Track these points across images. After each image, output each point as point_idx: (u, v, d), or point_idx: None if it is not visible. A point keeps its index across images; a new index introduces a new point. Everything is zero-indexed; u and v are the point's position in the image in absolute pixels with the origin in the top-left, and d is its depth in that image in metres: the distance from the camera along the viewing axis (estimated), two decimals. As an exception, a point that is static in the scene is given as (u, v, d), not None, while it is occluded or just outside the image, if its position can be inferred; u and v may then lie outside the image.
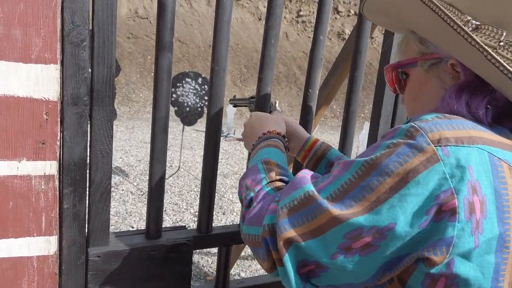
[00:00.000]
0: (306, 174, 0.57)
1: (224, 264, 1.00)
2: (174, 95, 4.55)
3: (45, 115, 0.70)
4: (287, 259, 0.53)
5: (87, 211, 0.78)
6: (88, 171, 0.76)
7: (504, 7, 0.55)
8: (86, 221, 0.78)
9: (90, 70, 0.74)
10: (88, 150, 0.76)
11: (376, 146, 0.52)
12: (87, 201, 0.77)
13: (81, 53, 0.71)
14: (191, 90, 4.70)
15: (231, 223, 3.92)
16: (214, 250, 3.27)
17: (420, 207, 0.47)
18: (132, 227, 3.56)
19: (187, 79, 4.69)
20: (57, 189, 0.74)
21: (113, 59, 0.75)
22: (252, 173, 0.67)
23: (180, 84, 4.61)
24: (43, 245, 0.74)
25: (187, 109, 4.70)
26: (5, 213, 0.70)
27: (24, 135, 0.70)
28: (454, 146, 0.48)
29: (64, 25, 0.69)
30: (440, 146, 0.47)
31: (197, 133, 9.23)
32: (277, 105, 0.96)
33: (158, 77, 0.80)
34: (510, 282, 0.51)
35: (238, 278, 3.30)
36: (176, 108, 4.55)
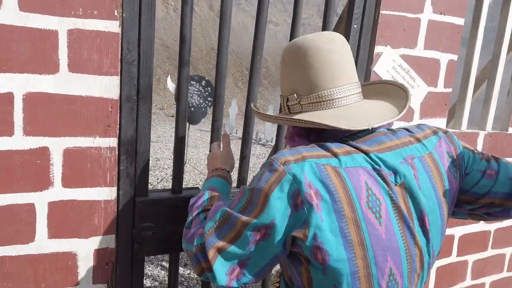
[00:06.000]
0: (219, 204, 0.87)
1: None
2: (180, 97, 4.92)
3: (110, 108, 1.10)
4: (216, 267, 0.77)
5: (135, 172, 1.17)
6: (135, 145, 1.16)
7: (293, 85, 0.88)
8: (134, 179, 1.18)
9: (137, 79, 1.13)
10: (136, 131, 1.15)
11: (257, 174, 0.81)
12: (135, 165, 1.17)
13: (132, 68, 1.11)
14: (195, 92, 5.10)
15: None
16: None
17: (285, 204, 0.74)
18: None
19: (192, 82, 5.09)
20: (117, 156, 1.13)
21: (152, 72, 1.14)
22: (199, 199, 0.97)
23: (186, 87, 4.98)
24: (107, 193, 1.14)
25: (192, 109, 5.10)
26: (85, 171, 1.10)
27: (97, 121, 1.09)
28: (294, 163, 0.76)
29: (122, 51, 1.09)
30: (286, 165, 0.76)
31: (201, 133, 9.65)
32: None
33: (181, 83, 1.20)
34: (358, 241, 0.75)
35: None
36: (182, 109, 4.93)
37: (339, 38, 0.88)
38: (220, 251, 0.78)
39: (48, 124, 1.03)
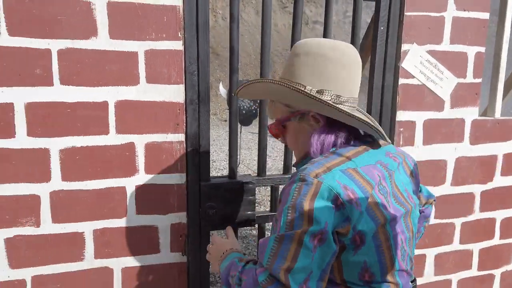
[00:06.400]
0: (262, 241, 0.87)
1: (275, 198, 1.63)
2: (232, 101, 5.26)
3: (178, 110, 1.38)
4: (293, 285, 0.79)
5: (199, 161, 1.44)
6: (198, 139, 1.43)
7: (326, 80, 0.93)
8: (199, 166, 1.45)
9: (197, 86, 1.40)
10: (198, 128, 1.42)
11: (287, 193, 0.86)
12: (199, 156, 1.44)
13: (193, 77, 1.38)
14: (246, 96, 5.41)
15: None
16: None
17: (329, 209, 0.83)
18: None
19: (242, 86, 5.40)
20: (185, 148, 1.41)
21: (208, 79, 1.41)
22: (233, 266, 0.96)
23: (237, 91, 5.31)
24: (179, 178, 1.42)
25: (243, 111, 5.41)
26: (161, 161, 1.39)
27: (169, 120, 1.37)
28: (324, 174, 0.85)
29: (186, 64, 1.36)
30: (318, 177, 0.85)
31: (252, 135, 10.00)
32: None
33: (231, 87, 1.46)
34: (382, 221, 0.88)
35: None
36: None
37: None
38: (288, 271, 0.80)
39: (133, 124, 1.33)
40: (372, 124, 0.93)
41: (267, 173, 1.65)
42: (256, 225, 1.62)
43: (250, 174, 1.60)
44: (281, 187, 1.96)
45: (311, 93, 0.92)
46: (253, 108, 5.40)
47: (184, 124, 1.39)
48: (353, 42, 1.59)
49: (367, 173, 0.91)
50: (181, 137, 1.40)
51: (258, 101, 5.23)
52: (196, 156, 1.43)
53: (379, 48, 1.58)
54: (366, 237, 0.87)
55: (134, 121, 1.33)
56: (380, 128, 0.97)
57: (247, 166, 6.62)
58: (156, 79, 1.34)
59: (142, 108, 1.33)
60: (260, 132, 1.56)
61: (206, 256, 1.17)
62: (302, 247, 0.81)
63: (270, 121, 1.17)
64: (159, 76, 1.34)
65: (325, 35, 1.56)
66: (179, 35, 1.34)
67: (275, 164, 7.01)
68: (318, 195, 0.83)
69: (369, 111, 1.64)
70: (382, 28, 1.56)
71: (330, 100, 0.93)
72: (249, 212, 1.51)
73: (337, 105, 0.92)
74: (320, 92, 0.93)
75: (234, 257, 1.01)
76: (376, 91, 1.62)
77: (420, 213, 1.16)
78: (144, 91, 1.33)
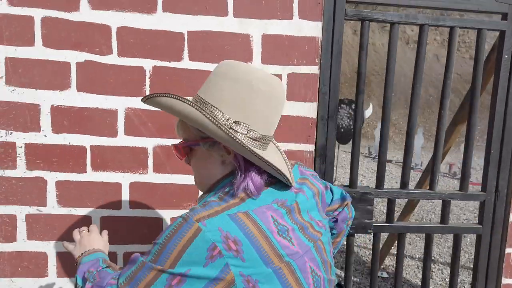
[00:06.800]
0: (137, 254, 0.86)
1: (390, 211, 1.76)
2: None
3: (310, 124, 1.61)
4: None
5: (325, 169, 1.65)
6: (325, 150, 1.64)
7: (247, 112, 0.86)
8: (324, 174, 1.66)
9: (327, 105, 1.63)
10: (326, 141, 1.64)
11: (168, 226, 0.82)
12: (325, 164, 1.65)
13: (325, 97, 1.61)
14: (345, 114, 5.54)
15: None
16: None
17: (201, 256, 0.78)
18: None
19: (342, 105, 5.55)
20: (313, 158, 1.63)
21: (337, 99, 1.62)
22: (95, 264, 1.02)
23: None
24: (306, 183, 1.64)
25: (342, 130, 5.54)
26: (293, 167, 1.63)
27: (302, 132, 1.61)
28: (208, 219, 0.80)
29: (319, 86, 1.60)
30: (200, 221, 0.79)
31: (345, 154, 10.01)
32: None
33: (358, 107, 1.65)
34: (283, 265, 0.83)
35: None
36: (333, 130, 5.42)
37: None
38: None
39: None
40: (279, 169, 0.89)
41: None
42: (372, 234, 1.77)
43: (368, 186, 1.77)
44: (397, 200, 2.08)
45: (227, 126, 0.86)
46: (352, 127, 5.51)
47: (315, 137, 1.62)
48: (475, 69, 1.69)
49: (259, 215, 0.85)
50: (311, 147, 1.63)
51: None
52: (322, 165, 1.65)
53: (502, 76, 1.65)
54: (259, 280, 0.82)
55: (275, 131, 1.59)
56: (288, 174, 0.93)
57: (342, 183, 6.68)
58: (295, 97, 1.59)
59: (281, 121, 1.59)
60: (380, 146, 1.72)
61: (73, 235, 1.19)
62: (155, 283, 0.81)
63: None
64: (297, 95, 1.59)
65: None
66: (316, 61, 1.58)
67: (369, 183, 6.96)
68: (193, 242, 0.79)
69: (490, 135, 1.70)
70: (506, 56, 1.63)
71: (244, 134, 0.87)
72: (366, 221, 1.68)
73: (252, 142, 0.88)
74: (236, 123, 0.87)
75: (100, 256, 1.07)
76: (498, 116, 1.68)
77: (336, 220, 1.19)
78: (285, 107, 1.59)
